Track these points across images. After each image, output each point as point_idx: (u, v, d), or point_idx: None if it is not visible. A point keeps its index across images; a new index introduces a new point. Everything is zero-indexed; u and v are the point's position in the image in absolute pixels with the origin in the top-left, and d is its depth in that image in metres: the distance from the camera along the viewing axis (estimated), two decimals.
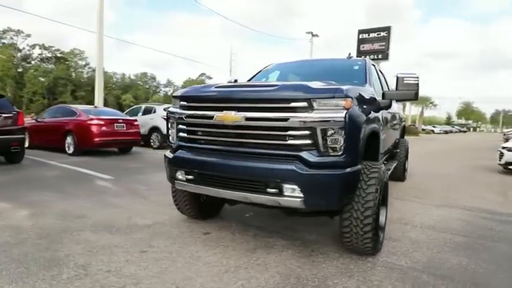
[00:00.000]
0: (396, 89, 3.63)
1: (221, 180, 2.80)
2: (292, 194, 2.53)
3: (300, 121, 2.50)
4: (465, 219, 4.26)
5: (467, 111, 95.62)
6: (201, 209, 3.75)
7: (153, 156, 10.08)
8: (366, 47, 38.34)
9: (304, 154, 2.52)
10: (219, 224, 3.77)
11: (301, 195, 2.51)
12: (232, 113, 2.68)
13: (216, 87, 2.99)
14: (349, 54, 4.53)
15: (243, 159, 2.70)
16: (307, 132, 2.51)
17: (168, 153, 3.28)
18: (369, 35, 38.50)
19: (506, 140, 17.70)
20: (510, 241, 3.56)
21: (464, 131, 71.46)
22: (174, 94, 3.30)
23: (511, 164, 8.17)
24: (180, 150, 3.07)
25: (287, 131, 2.55)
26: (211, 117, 2.81)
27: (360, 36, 38.86)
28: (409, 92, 3.53)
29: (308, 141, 2.52)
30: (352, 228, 2.78)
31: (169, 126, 3.31)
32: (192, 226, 3.66)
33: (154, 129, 12.17)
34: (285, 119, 2.53)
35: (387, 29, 37.66)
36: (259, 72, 4.67)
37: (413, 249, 3.21)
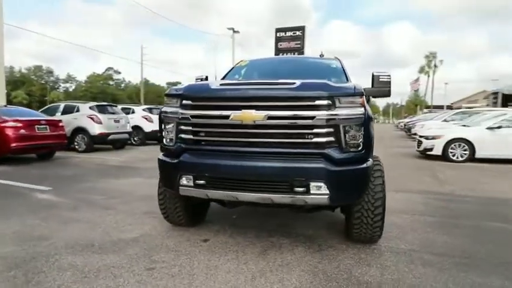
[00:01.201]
0: (372, 86, 3.89)
1: (240, 183, 2.64)
2: (319, 192, 2.54)
3: (326, 119, 2.51)
4: (423, 201, 4.84)
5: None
6: (192, 216, 3.51)
7: (85, 161, 8.99)
8: (284, 45, 40.13)
9: (329, 151, 2.55)
10: (211, 229, 3.57)
11: (327, 192, 2.53)
12: (253, 111, 2.56)
13: (223, 84, 2.81)
14: (321, 53, 4.69)
15: (265, 159, 2.60)
16: (331, 129, 2.54)
17: (164, 157, 2.97)
18: (285, 33, 40.34)
19: (409, 130, 20.55)
20: (466, 216, 4.16)
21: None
22: (169, 92, 2.99)
23: (428, 150, 9.51)
24: (185, 154, 2.80)
25: (312, 129, 2.54)
26: (226, 117, 2.63)
27: (278, 35, 40.46)
28: (384, 89, 3.81)
29: (332, 139, 2.56)
30: (363, 219, 2.91)
31: (163, 127, 3.00)
32: (185, 235, 3.39)
33: (79, 130, 10.84)
34: (311, 117, 2.51)
35: (302, 29, 39.99)
36: (232, 68, 4.52)
37: (402, 233, 3.52)
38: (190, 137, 2.79)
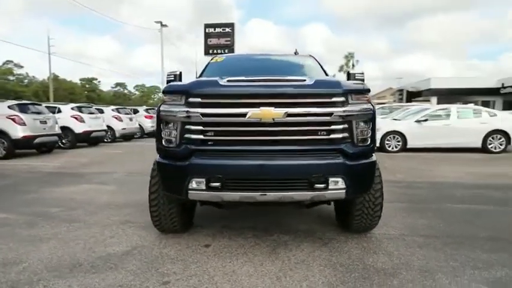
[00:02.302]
0: None
1: (259, 183, 2.56)
2: (336, 187, 2.60)
3: (342, 115, 2.58)
4: (389, 189, 5.24)
5: None
6: (186, 221, 3.31)
7: (11, 169, 7.73)
8: (213, 41, 39.85)
9: (344, 147, 2.63)
10: (206, 233, 3.40)
11: (344, 186, 2.60)
12: (272, 109, 2.50)
13: (232, 81, 2.68)
14: (296, 50, 4.77)
15: (284, 157, 2.57)
16: (346, 125, 2.62)
17: (165, 160, 2.74)
18: (214, 30, 40.09)
19: None
20: (428, 201, 4.67)
21: None
22: (169, 89, 2.75)
23: None
24: (194, 156, 2.60)
25: (330, 126, 2.58)
26: (243, 115, 2.52)
27: (207, 31, 40.00)
28: None
29: (346, 134, 2.63)
30: (364, 210, 3.07)
31: (161, 127, 2.74)
32: (181, 242, 3.17)
33: None
34: (329, 114, 2.55)
35: (231, 25, 40.16)
36: (207, 65, 4.32)
37: (385, 219, 3.77)
38: (200, 137, 2.61)
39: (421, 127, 9.98)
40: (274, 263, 2.73)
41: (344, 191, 2.61)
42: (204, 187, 2.59)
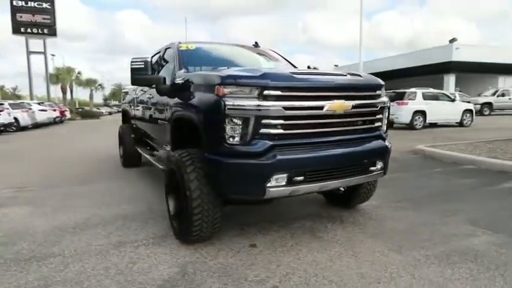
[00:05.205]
0: None
1: (330, 172, 2.70)
2: (378, 167, 3.04)
3: (382, 106, 3.02)
4: None
5: (119, 93, 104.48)
6: None
7: None
8: (26, 17, 32.48)
9: (382, 133, 3.09)
10: (232, 234, 3.17)
11: (382, 166, 3.07)
12: (343, 101, 2.67)
13: (298, 73, 2.66)
14: (256, 42, 4.76)
15: (347, 145, 2.80)
16: (381, 115, 3.07)
17: (237, 160, 2.46)
18: (26, 3, 32.55)
19: None
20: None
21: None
22: (237, 82, 2.45)
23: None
24: (275, 151, 2.47)
25: (375, 115, 2.98)
26: (321, 108, 2.58)
27: (14, 3, 32.07)
28: None
29: (381, 123, 3.09)
30: (367, 187, 3.61)
31: (226, 124, 2.44)
32: (224, 249, 2.88)
33: None
34: (376, 105, 2.95)
35: (50, 1, 33.44)
36: (178, 52, 3.83)
37: None
38: (280, 131, 2.50)
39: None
40: (330, 245, 2.93)
41: (382, 171, 3.07)
42: (283, 183, 2.52)
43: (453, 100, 14.83)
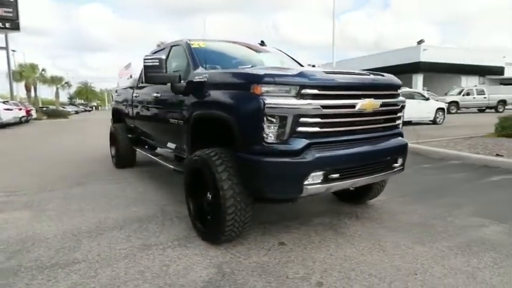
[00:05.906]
0: None
1: (361, 169, 2.78)
2: (399, 164, 3.16)
3: (402, 104, 3.13)
4: None
5: (86, 91, 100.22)
6: None
7: None
8: None
9: (400, 131, 3.20)
10: (256, 233, 3.18)
11: (402, 163, 3.19)
12: (372, 100, 2.74)
13: (329, 73, 2.70)
14: (262, 41, 4.75)
15: (375, 143, 2.88)
16: (401, 113, 3.19)
17: (275, 158, 2.47)
18: None
19: None
20: None
21: (89, 110, 75.72)
22: (275, 80, 2.45)
23: None
24: (312, 149, 2.50)
25: (397, 113, 3.09)
26: (353, 106, 2.65)
27: None
28: None
29: (400, 121, 3.21)
30: (380, 182, 3.74)
31: (263, 123, 2.44)
32: (254, 248, 2.89)
33: None
34: (398, 103, 3.05)
35: None
36: (191, 49, 3.76)
37: None
38: (317, 129, 2.53)
39: None
40: (356, 240, 3.03)
41: (402, 167, 3.19)
42: (319, 180, 2.56)
43: (427, 99, 15.53)
